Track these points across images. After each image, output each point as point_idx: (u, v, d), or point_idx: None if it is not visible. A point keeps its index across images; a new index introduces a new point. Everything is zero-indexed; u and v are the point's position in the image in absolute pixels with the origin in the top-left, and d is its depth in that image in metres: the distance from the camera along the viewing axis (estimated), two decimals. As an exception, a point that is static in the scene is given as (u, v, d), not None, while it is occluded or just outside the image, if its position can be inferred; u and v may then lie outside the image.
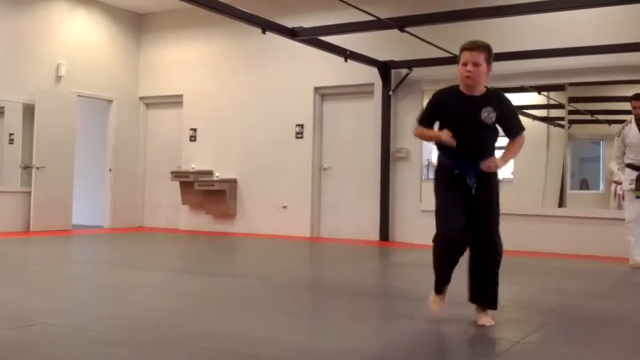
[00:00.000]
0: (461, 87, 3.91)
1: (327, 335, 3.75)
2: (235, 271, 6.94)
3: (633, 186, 7.14)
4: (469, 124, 3.82)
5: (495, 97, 3.90)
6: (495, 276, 3.93)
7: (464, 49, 3.86)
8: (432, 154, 10.81)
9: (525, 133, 4.03)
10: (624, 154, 7.28)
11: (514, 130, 3.95)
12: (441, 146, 3.97)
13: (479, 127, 3.82)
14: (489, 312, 3.95)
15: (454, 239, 3.82)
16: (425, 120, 4.03)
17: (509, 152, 3.96)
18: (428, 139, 4.16)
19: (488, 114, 3.82)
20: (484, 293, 3.93)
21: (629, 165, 7.23)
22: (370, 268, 7.32)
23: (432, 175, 10.93)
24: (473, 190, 3.87)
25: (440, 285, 3.99)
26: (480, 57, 3.80)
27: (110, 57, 11.71)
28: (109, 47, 11.69)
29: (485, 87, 3.94)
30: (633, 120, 7.22)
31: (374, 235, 9.87)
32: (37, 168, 10.32)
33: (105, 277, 6.07)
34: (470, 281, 3.96)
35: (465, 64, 3.82)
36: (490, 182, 3.92)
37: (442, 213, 3.87)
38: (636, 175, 7.11)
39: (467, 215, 3.84)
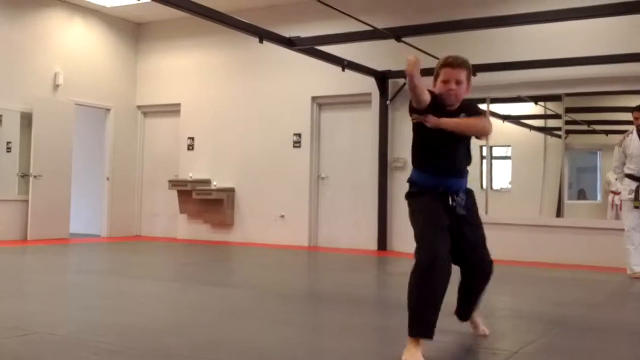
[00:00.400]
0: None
1: (325, 346, 3.75)
2: (233, 281, 6.93)
3: (632, 196, 7.18)
4: (447, 139, 3.52)
5: (466, 107, 3.64)
6: (484, 292, 3.82)
7: (446, 64, 3.58)
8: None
9: (490, 134, 3.72)
10: (624, 164, 7.32)
11: (473, 115, 3.61)
12: (421, 165, 3.67)
13: (456, 143, 3.58)
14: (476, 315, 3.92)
15: (445, 261, 3.37)
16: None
17: (473, 119, 3.58)
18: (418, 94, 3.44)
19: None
20: (473, 309, 3.87)
21: (629, 176, 7.28)
22: (369, 278, 7.32)
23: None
24: (456, 209, 3.56)
25: (429, 320, 3.34)
26: (463, 75, 3.56)
27: (107, 66, 11.73)
28: (106, 56, 11.71)
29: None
30: (634, 131, 7.25)
31: (372, 244, 9.87)
32: (35, 176, 10.32)
33: (103, 286, 6.06)
34: (460, 300, 3.82)
35: (446, 82, 3.55)
36: (472, 199, 3.69)
37: (427, 236, 3.43)
38: (635, 186, 7.15)
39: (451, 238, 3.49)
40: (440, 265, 3.32)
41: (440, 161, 3.58)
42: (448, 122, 3.47)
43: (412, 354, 3.29)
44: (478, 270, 3.72)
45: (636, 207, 7.18)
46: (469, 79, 3.59)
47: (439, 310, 3.35)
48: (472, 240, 3.64)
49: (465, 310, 3.87)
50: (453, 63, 3.57)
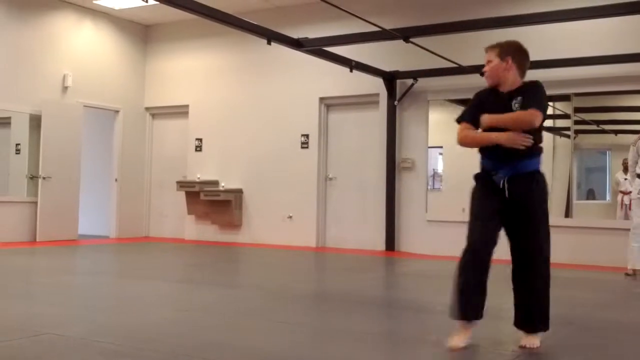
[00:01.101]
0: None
1: (333, 348, 3.74)
2: (240, 282, 6.94)
3: None
4: (495, 126, 3.60)
5: (527, 87, 3.69)
6: (540, 291, 3.63)
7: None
8: (437, 163, 10.82)
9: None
10: (637, 162, 7.33)
11: (529, 106, 3.55)
12: (480, 150, 3.75)
13: (502, 129, 3.58)
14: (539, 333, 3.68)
15: (476, 247, 3.52)
16: (467, 115, 3.76)
17: (513, 113, 3.58)
18: (477, 143, 3.71)
19: (516, 102, 3.61)
20: (528, 313, 3.64)
21: (639, 176, 7.29)
22: (377, 278, 7.30)
23: (437, 185, 10.94)
24: (506, 193, 3.57)
25: (464, 309, 3.55)
26: (492, 55, 3.78)
27: (116, 68, 11.77)
28: (115, 58, 11.75)
29: (523, 81, 3.77)
30: None
31: (380, 245, 9.86)
32: (44, 178, 10.36)
33: (111, 288, 6.08)
34: (515, 301, 3.70)
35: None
36: (531, 184, 3.60)
37: (470, 225, 3.59)
38: None
39: (502, 226, 3.59)
40: (474, 253, 3.52)
41: (490, 146, 3.64)
42: (490, 136, 3.61)
43: (453, 337, 3.57)
44: (524, 259, 3.66)
45: None
46: (501, 57, 3.74)
47: (479, 295, 3.56)
48: (521, 229, 3.63)
49: (519, 316, 3.68)
50: (485, 49, 3.89)
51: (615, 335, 4.24)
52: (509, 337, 4.03)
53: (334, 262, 8.88)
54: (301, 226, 10.56)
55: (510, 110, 3.59)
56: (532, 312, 3.64)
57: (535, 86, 3.69)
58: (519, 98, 3.61)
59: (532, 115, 3.50)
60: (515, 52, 3.79)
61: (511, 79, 3.73)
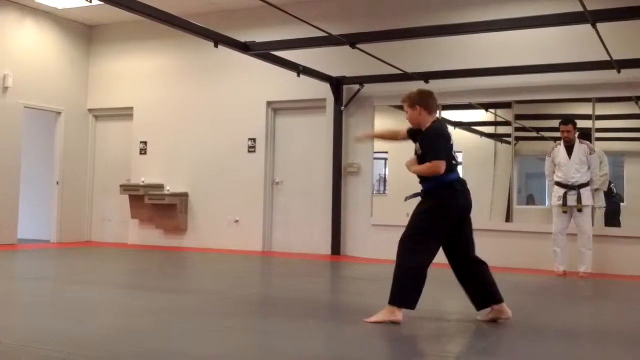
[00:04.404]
0: None
1: (278, 351, 3.75)
2: (185, 287, 6.87)
3: (560, 202, 7.86)
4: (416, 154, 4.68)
5: (425, 132, 4.63)
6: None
7: None
8: (384, 169, 10.94)
9: (436, 162, 4.51)
10: (554, 172, 8.02)
11: (427, 158, 4.52)
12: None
13: (418, 157, 4.64)
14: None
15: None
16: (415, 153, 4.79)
17: (419, 166, 4.57)
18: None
19: (417, 147, 4.64)
20: (492, 292, 4.57)
21: (557, 183, 7.95)
22: (321, 282, 7.34)
23: (384, 190, 11.05)
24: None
25: (415, 302, 4.40)
26: (406, 106, 4.71)
27: (58, 68, 11.52)
28: (57, 58, 11.51)
29: (433, 121, 4.71)
30: (562, 142, 7.94)
31: (326, 249, 9.90)
32: (-19, 181, 10.07)
33: (52, 293, 5.94)
34: (473, 292, 4.61)
35: None
36: (421, 202, 4.65)
37: (427, 244, 4.47)
38: (563, 192, 7.82)
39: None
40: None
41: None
42: (410, 165, 4.69)
43: (398, 313, 4.40)
44: (476, 260, 4.84)
45: (564, 212, 7.83)
46: (412, 106, 4.68)
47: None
48: (470, 236, 4.80)
49: (483, 297, 4.62)
50: (401, 102, 4.81)
51: (553, 336, 4.36)
52: (451, 339, 4.09)
53: (279, 267, 8.88)
54: (247, 230, 10.53)
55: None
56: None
57: (427, 135, 4.62)
58: (418, 145, 4.62)
59: (436, 167, 4.46)
60: (421, 99, 4.66)
61: (424, 121, 4.67)
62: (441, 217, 4.48)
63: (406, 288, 4.36)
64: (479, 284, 4.58)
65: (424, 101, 4.64)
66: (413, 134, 4.75)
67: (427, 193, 4.55)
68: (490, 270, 4.64)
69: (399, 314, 4.37)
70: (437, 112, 4.75)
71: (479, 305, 4.60)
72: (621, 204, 9.53)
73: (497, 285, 4.58)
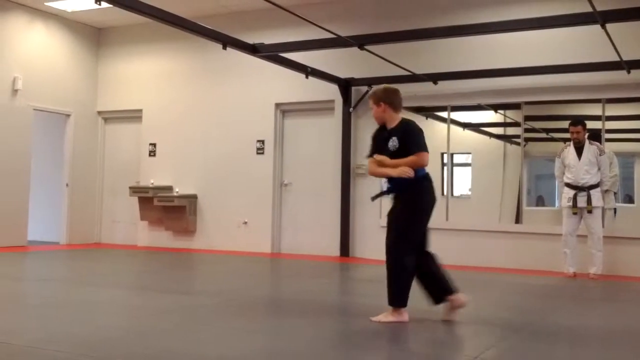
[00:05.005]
0: None
1: (288, 353, 3.74)
2: (194, 288, 6.88)
3: (570, 203, 7.83)
4: (384, 151, 4.65)
5: (402, 127, 4.65)
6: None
7: None
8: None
9: (426, 156, 4.59)
10: (564, 173, 7.98)
11: (412, 151, 4.54)
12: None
13: (390, 153, 4.61)
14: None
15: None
16: (371, 153, 4.80)
17: (399, 161, 4.53)
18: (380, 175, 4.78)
19: (392, 143, 4.60)
20: (448, 283, 4.62)
21: (567, 185, 7.91)
22: (331, 284, 7.33)
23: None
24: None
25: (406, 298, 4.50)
26: (371, 103, 4.77)
27: (68, 71, 11.57)
28: (67, 61, 11.55)
29: (401, 118, 4.72)
30: (572, 143, 7.90)
31: (335, 251, 9.89)
32: (-8, 183, 10.12)
33: (61, 295, 5.96)
34: (431, 285, 4.62)
35: None
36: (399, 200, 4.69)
37: (414, 242, 4.56)
38: (573, 194, 7.79)
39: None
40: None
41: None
42: (392, 173, 4.59)
43: (403, 313, 4.48)
44: (429, 255, 4.70)
45: (574, 214, 7.80)
46: (377, 103, 4.72)
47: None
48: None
49: (440, 291, 4.64)
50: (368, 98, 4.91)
51: (565, 340, 4.33)
52: (462, 341, 4.08)
53: (288, 268, 8.88)
54: (256, 232, 10.53)
55: (387, 147, 4.63)
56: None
57: (409, 129, 4.65)
58: (395, 139, 4.60)
59: (423, 159, 4.53)
60: (385, 96, 4.71)
61: (388, 117, 4.72)
62: (421, 212, 4.61)
63: (406, 289, 4.48)
64: (436, 277, 4.64)
65: (389, 98, 4.70)
66: (380, 138, 4.74)
67: (400, 192, 4.62)
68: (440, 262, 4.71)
69: (405, 314, 4.46)
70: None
71: (438, 299, 4.63)
72: (632, 205, 9.49)
73: (449, 276, 4.67)
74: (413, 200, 4.57)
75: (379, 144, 4.73)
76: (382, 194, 4.77)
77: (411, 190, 4.56)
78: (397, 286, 4.47)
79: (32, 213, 10.87)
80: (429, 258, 4.66)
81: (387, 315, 4.48)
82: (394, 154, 4.58)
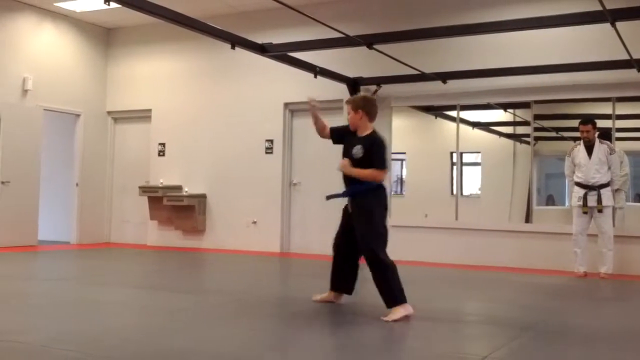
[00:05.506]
0: None
1: (297, 351, 3.75)
2: (204, 287, 6.90)
3: (581, 203, 7.79)
4: (347, 155, 5.00)
5: (370, 140, 4.91)
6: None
7: None
8: (401, 170, 10.92)
9: (385, 171, 4.92)
10: (574, 172, 7.93)
11: (375, 165, 4.86)
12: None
13: (351, 159, 4.93)
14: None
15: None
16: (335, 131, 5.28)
17: (361, 170, 4.85)
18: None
19: (357, 151, 4.88)
20: (353, 283, 5.22)
21: (577, 184, 7.87)
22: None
23: (402, 191, 11.01)
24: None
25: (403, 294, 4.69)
26: (349, 109, 5.04)
27: (77, 71, 11.61)
28: (76, 61, 11.60)
29: (372, 129, 5.00)
30: (582, 142, 7.87)
31: (344, 250, 9.86)
32: (3, 183, 10.17)
33: (72, 294, 5.99)
34: (343, 275, 5.18)
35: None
36: (357, 204, 4.97)
37: (383, 237, 4.85)
38: (583, 193, 7.75)
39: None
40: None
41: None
42: (348, 169, 4.98)
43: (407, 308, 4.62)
44: (360, 254, 5.00)
45: (585, 213, 7.77)
46: (355, 110, 4.99)
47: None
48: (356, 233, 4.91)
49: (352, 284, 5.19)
50: (345, 103, 5.23)
51: (575, 339, 4.32)
52: (472, 340, 4.07)
53: (297, 268, 8.89)
54: (265, 232, 10.54)
55: (351, 152, 4.95)
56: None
57: (377, 143, 4.91)
58: (359, 147, 4.87)
59: (380, 176, 4.89)
60: (365, 105, 4.98)
61: (362, 125, 5.01)
62: (380, 208, 4.88)
63: (399, 284, 4.68)
64: (352, 272, 5.15)
65: (367, 108, 4.99)
66: (339, 136, 5.18)
67: (358, 195, 4.91)
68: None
69: (408, 307, 4.62)
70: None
71: (340, 289, 5.19)
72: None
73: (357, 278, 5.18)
74: (371, 203, 4.85)
75: (345, 148, 5.05)
76: (337, 195, 5.06)
77: (367, 195, 4.86)
78: (392, 286, 4.66)
79: (42, 213, 10.92)
80: (357, 255, 5.05)
81: (395, 312, 4.58)
82: (355, 162, 4.88)
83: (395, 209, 9.77)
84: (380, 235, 4.81)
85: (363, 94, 5.22)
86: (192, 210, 10.91)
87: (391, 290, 4.65)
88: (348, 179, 4.98)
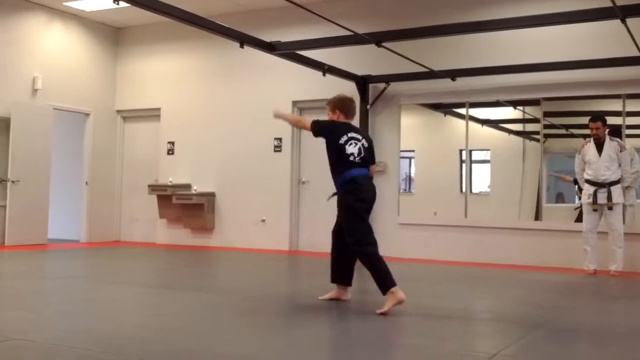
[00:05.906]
0: None
1: (307, 351, 3.75)
2: (213, 286, 6.91)
3: (591, 200, 7.77)
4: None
5: None
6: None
7: None
8: (409, 168, 10.89)
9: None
10: (584, 170, 7.90)
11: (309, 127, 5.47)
12: None
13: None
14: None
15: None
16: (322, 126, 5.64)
17: (289, 114, 5.69)
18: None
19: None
20: (351, 275, 5.35)
21: (587, 181, 7.84)
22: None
23: (410, 189, 10.99)
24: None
25: (392, 279, 4.84)
26: (328, 110, 5.50)
27: (87, 70, 11.65)
28: (86, 60, 11.64)
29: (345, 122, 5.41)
30: (592, 140, 7.84)
31: (352, 248, 9.86)
32: (13, 182, 10.22)
33: (81, 292, 6.01)
34: (342, 269, 5.33)
35: None
36: (339, 199, 5.28)
37: (367, 229, 5.08)
38: (594, 190, 7.72)
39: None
40: (375, 244, 5.07)
41: None
42: (283, 115, 5.99)
43: (397, 291, 4.75)
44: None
45: (594, 210, 7.75)
46: (333, 111, 5.50)
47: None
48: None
49: (348, 276, 5.35)
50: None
51: (585, 337, 4.30)
52: (482, 338, 4.06)
53: (306, 266, 8.88)
54: (274, 230, 10.55)
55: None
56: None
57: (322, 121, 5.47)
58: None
59: (306, 123, 5.56)
60: (342, 106, 5.41)
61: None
62: (357, 202, 5.09)
63: (386, 272, 4.84)
64: (350, 266, 5.30)
65: (344, 108, 5.41)
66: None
67: (340, 189, 5.23)
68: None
69: (399, 293, 4.73)
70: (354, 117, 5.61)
71: (339, 280, 5.33)
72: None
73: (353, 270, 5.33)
74: (348, 197, 5.13)
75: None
76: (333, 194, 5.33)
77: (343, 192, 5.17)
78: (379, 272, 4.84)
79: (52, 211, 10.97)
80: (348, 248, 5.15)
81: (387, 304, 4.71)
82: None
83: (404, 206, 9.76)
84: (358, 228, 5.01)
85: (339, 94, 5.54)
86: (201, 208, 10.93)
87: (377, 277, 4.85)
88: (333, 177, 5.36)
